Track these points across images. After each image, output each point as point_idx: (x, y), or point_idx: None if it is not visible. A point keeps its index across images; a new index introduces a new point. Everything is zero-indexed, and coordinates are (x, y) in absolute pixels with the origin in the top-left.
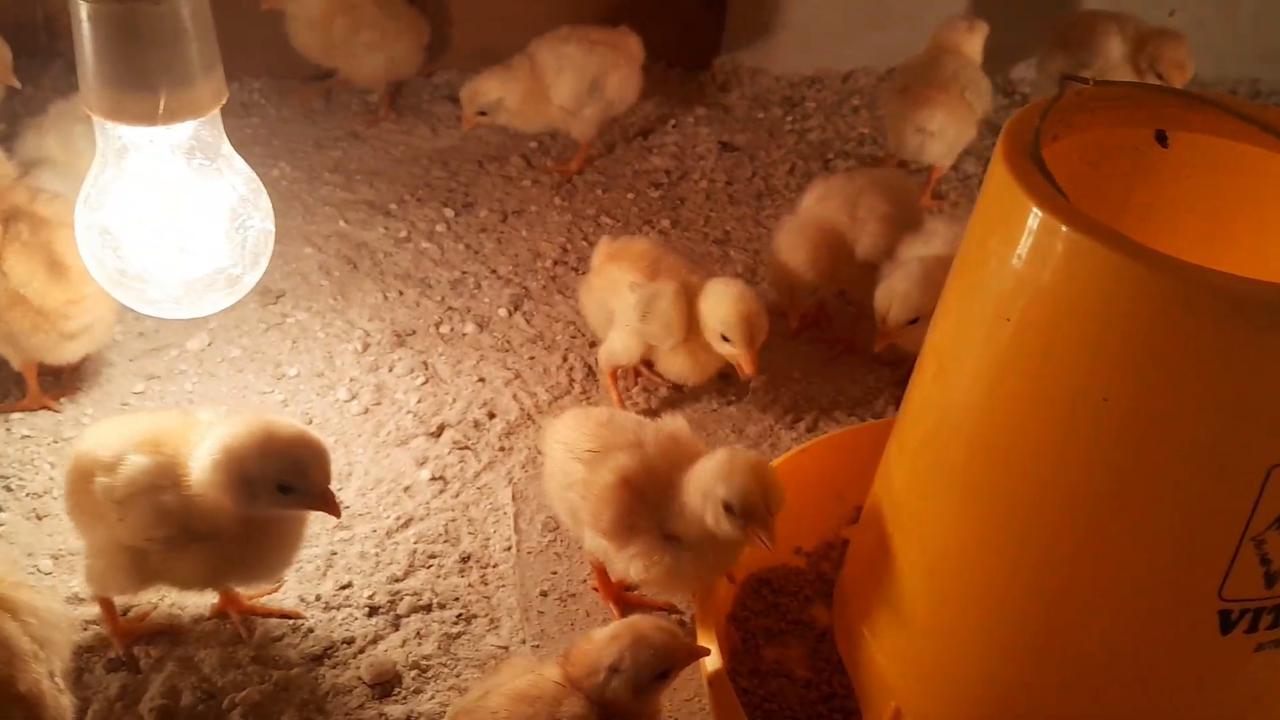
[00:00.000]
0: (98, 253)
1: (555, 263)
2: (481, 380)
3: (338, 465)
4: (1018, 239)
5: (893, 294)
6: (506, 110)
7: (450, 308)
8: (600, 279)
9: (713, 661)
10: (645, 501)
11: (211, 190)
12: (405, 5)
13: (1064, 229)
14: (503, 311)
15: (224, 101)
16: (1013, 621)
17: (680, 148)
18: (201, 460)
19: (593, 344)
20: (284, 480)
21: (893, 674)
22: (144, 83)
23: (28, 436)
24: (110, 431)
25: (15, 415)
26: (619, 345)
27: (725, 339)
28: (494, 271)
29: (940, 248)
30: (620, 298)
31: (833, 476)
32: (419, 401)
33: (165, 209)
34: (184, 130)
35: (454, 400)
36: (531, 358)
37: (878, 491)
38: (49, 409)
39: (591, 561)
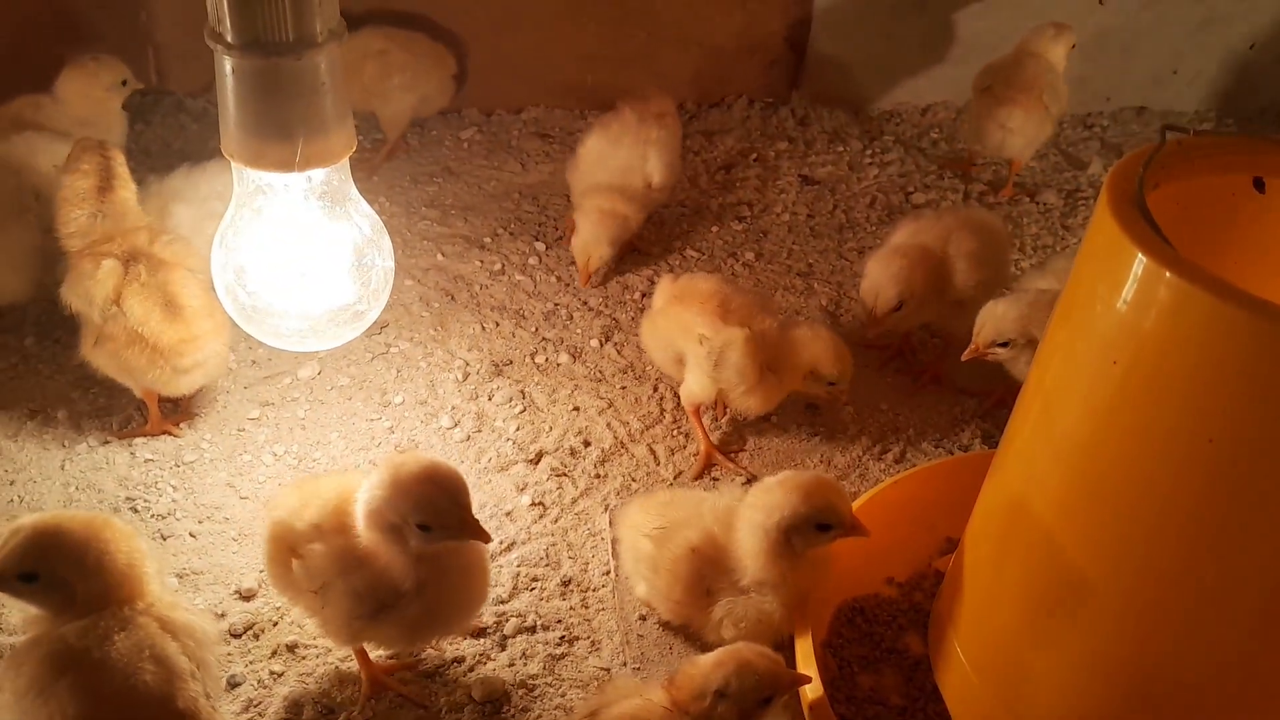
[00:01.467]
0: (232, 289)
1: (643, 295)
2: (576, 409)
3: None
4: (1123, 284)
5: (990, 314)
6: None
7: (544, 338)
8: (666, 320)
9: (814, 689)
10: (715, 567)
11: (339, 232)
12: (430, 43)
13: (1168, 275)
14: (594, 342)
15: (353, 150)
16: (1114, 653)
17: (762, 181)
18: (358, 520)
19: None
20: (420, 520)
21: (991, 704)
22: (283, 132)
23: (151, 460)
24: (299, 499)
25: (138, 440)
26: (697, 387)
27: (821, 379)
28: (585, 303)
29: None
30: (691, 344)
31: (924, 509)
32: (517, 429)
33: (296, 249)
34: (317, 176)
35: (550, 428)
36: (623, 387)
37: (977, 524)
38: (170, 434)
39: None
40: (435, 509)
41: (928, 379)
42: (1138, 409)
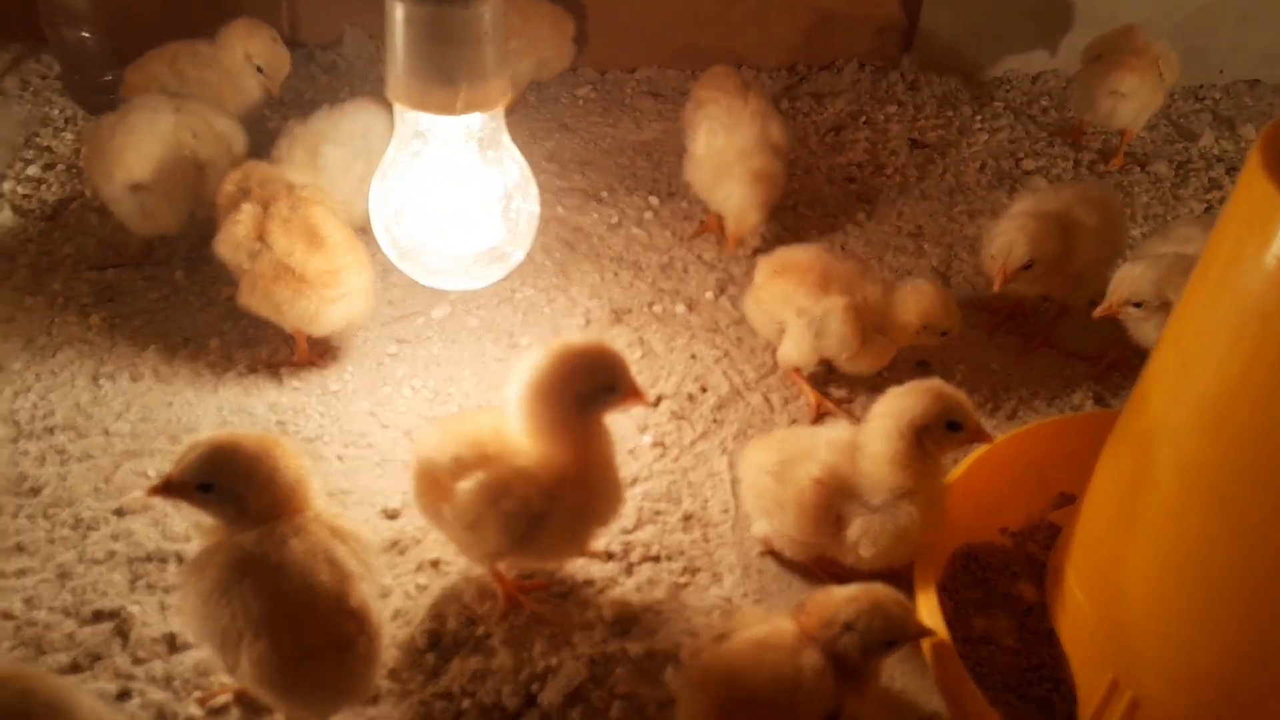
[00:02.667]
0: (389, 227)
1: (756, 251)
2: (693, 357)
3: None
4: (1273, 241)
5: (1127, 274)
6: None
7: (661, 289)
8: (768, 294)
9: (929, 612)
10: (841, 494)
11: (491, 176)
12: (550, 7)
13: None
14: (709, 294)
15: (510, 98)
16: (1232, 613)
17: (871, 144)
18: (512, 393)
19: None
20: (607, 383)
21: (1113, 647)
22: (447, 77)
23: (298, 389)
24: (440, 438)
25: (285, 370)
26: (795, 352)
27: (935, 331)
28: (699, 257)
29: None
30: (791, 314)
31: (1039, 463)
32: (637, 374)
33: (451, 191)
34: (475, 121)
35: (669, 374)
36: (738, 339)
37: (1104, 479)
38: (315, 365)
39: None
40: (615, 370)
41: (1039, 343)
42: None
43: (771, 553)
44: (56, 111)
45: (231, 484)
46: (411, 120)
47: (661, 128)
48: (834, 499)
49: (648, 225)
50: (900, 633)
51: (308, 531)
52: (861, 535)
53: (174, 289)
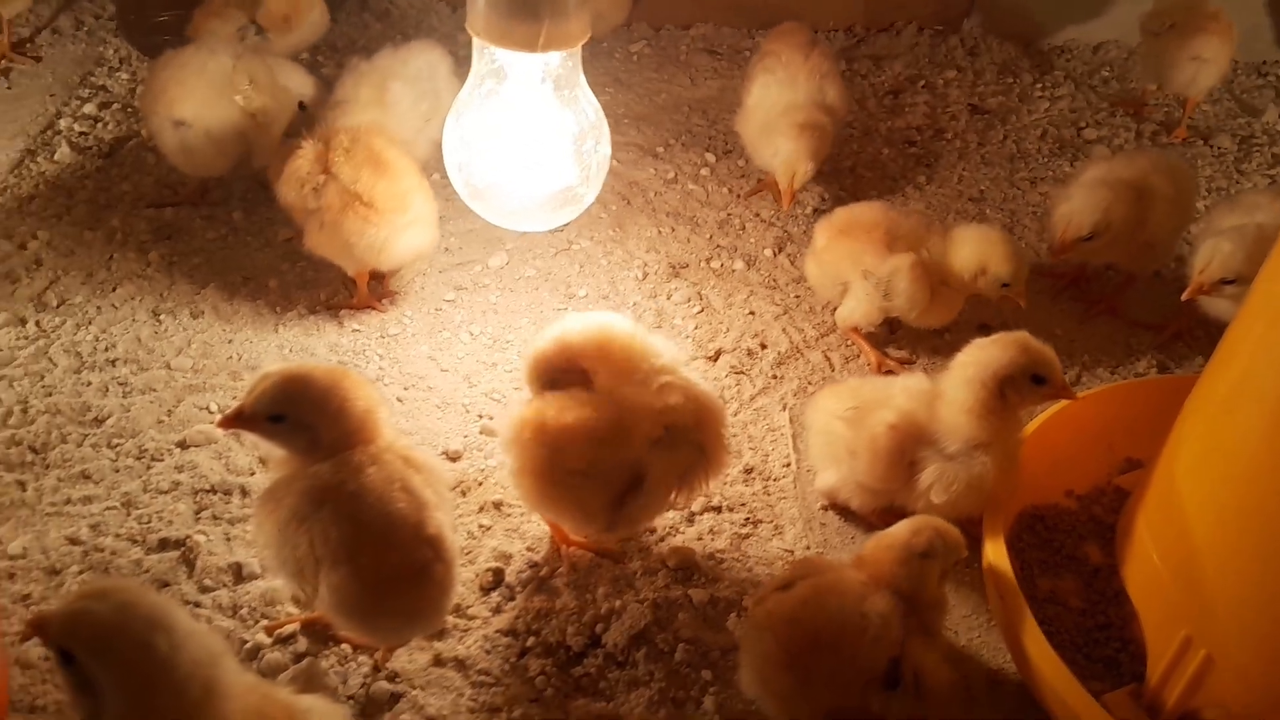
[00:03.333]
0: (463, 166)
1: (815, 210)
2: (752, 313)
3: None
4: None
5: (1216, 251)
6: None
7: (719, 245)
8: (832, 254)
9: (1001, 563)
10: (916, 441)
11: (567, 116)
12: None
13: None
14: (768, 252)
15: (588, 37)
16: None
17: (931, 108)
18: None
19: None
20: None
21: (1187, 606)
22: (531, 14)
23: (358, 330)
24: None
25: (344, 312)
26: (858, 313)
27: (993, 281)
28: (757, 215)
29: (1264, 218)
30: (857, 277)
31: (1104, 428)
32: (696, 328)
33: (526, 129)
34: (554, 59)
35: (728, 329)
36: (797, 296)
37: (1184, 436)
38: (374, 309)
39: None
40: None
41: (1102, 309)
42: None
43: (834, 506)
44: (111, 51)
45: (303, 415)
46: (489, 56)
47: (717, 85)
48: (908, 445)
49: (704, 181)
50: (961, 548)
51: (383, 461)
52: (935, 481)
53: (232, 229)
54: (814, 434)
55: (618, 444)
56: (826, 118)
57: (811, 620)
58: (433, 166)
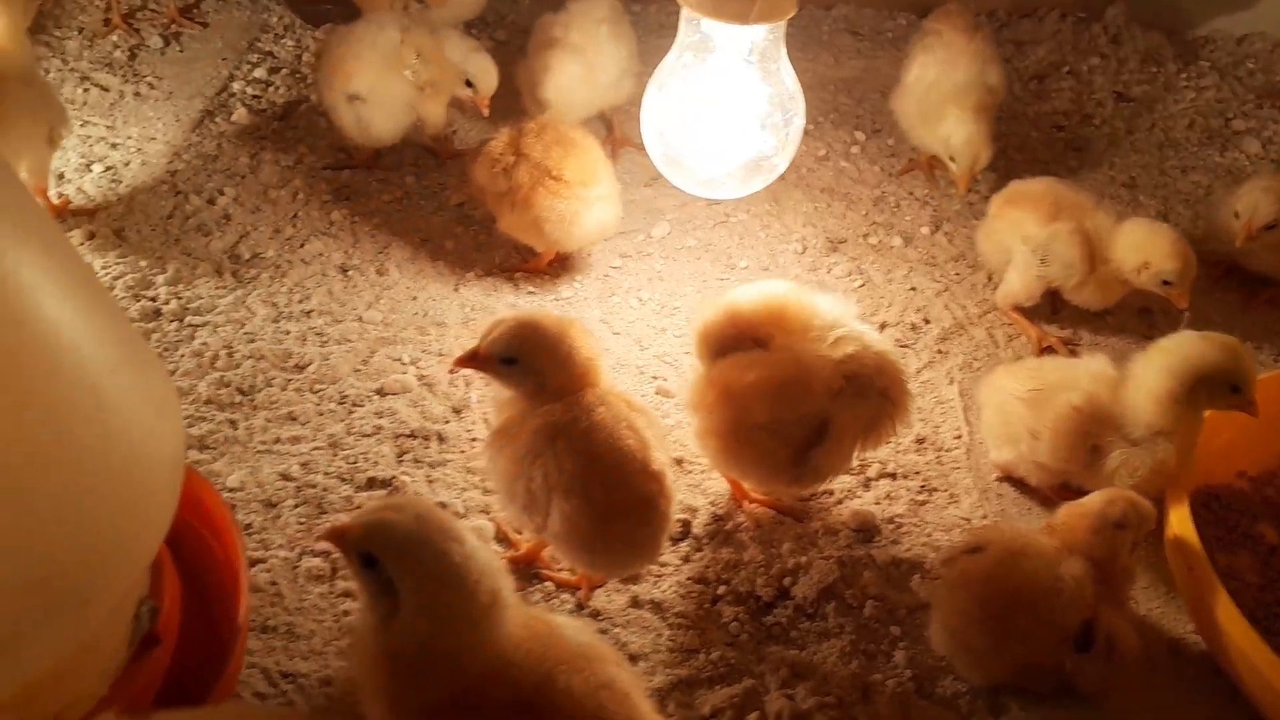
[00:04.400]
0: (663, 132)
1: (969, 190)
2: (913, 289)
3: None
4: None
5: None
6: None
7: (875, 222)
8: (1000, 223)
9: (1187, 534)
10: (1100, 424)
11: (767, 86)
12: None
13: None
14: (925, 229)
15: (794, 12)
16: None
17: (1076, 94)
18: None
19: None
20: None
21: None
22: None
23: (533, 293)
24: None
25: (517, 275)
26: (1018, 285)
27: (1156, 277)
28: (910, 193)
29: None
30: (1019, 242)
31: (1276, 412)
32: (858, 302)
33: (728, 99)
34: (760, 32)
35: (889, 304)
36: (957, 274)
37: None
38: (546, 274)
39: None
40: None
41: (1265, 299)
42: None
43: (1009, 479)
44: (275, 19)
45: (534, 359)
46: (696, 28)
47: (861, 65)
48: (1091, 428)
49: (855, 159)
50: (1152, 519)
51: (609, 402)
52: (1120, 466)
53: (405, 193)
54: (990, 412)
55: (800, 397)
56: (993, 103)
57: (1008, 580)
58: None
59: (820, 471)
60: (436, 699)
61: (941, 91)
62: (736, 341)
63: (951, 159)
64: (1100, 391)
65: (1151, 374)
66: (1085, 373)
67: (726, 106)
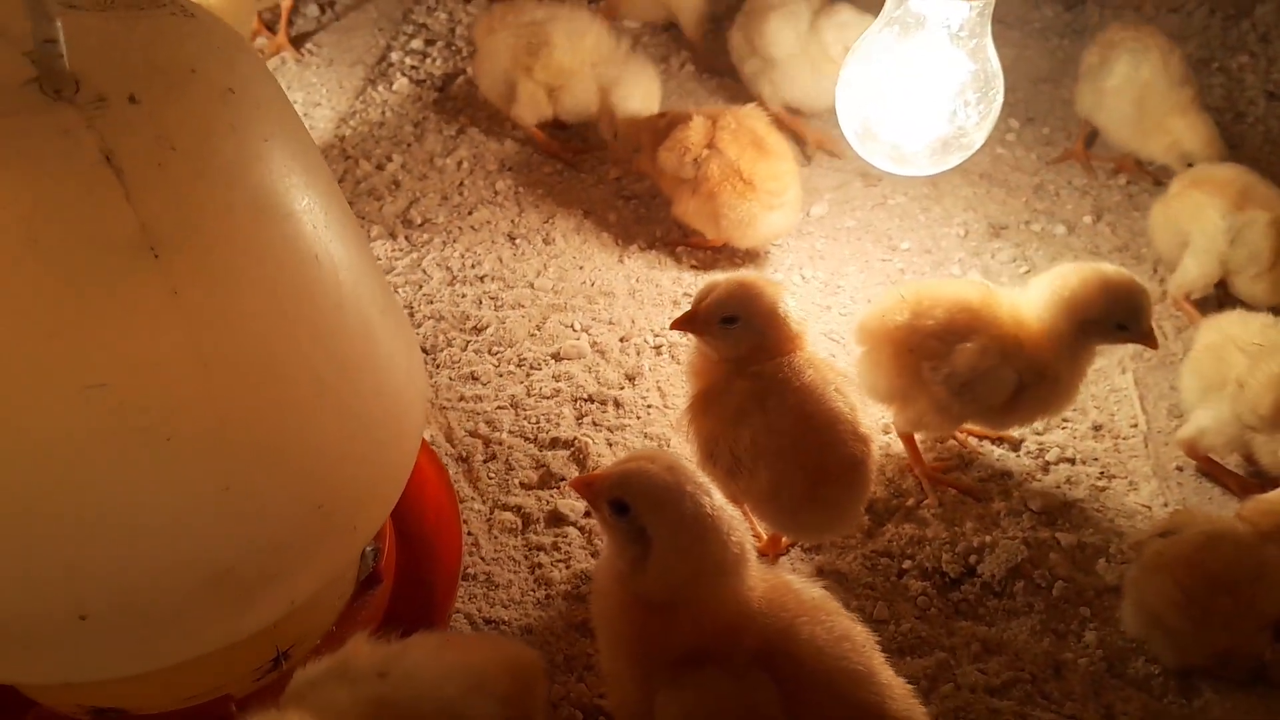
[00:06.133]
0: (857, 105)
1: (1129, 181)
2: None
3: None
4: None
5: None
6: None
7: (1035, 209)
8: (1181, 203)
9: None
10: None
11: (972, 64)
12: None
13: None
14: (1087, 219)
15: None
16: None
17: (1227, 91)
18: (1041, 309)
19: None
20: (1122, 321)
21: None
22: None
23: (695, 266)
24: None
25: (680, 249)
26: (1195, 273)
27: None
28: (1069, 182)
29: None
30: (1201, 224)
31: None
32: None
33: (934, 75)
34: (972, 9)
35: None
36: (1122, 264)
37: None
38: (709, 249)
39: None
40: (1138, 315)
41: None
42: None
43: (1195, 457)
44: None
45: (755, 318)
46: (901, 1)
47: (1012, 55)
48: None
49: (1011, 146)
50: None
51: (817, 365)
52: None
53: (566, 166)
54: (1202, 351)
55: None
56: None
57: (1209, 563)
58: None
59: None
60: (683, 647)
61: (1159, 93)
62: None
63: (1188, 161)
64: None
65: None
66: None
67: (933, 82)
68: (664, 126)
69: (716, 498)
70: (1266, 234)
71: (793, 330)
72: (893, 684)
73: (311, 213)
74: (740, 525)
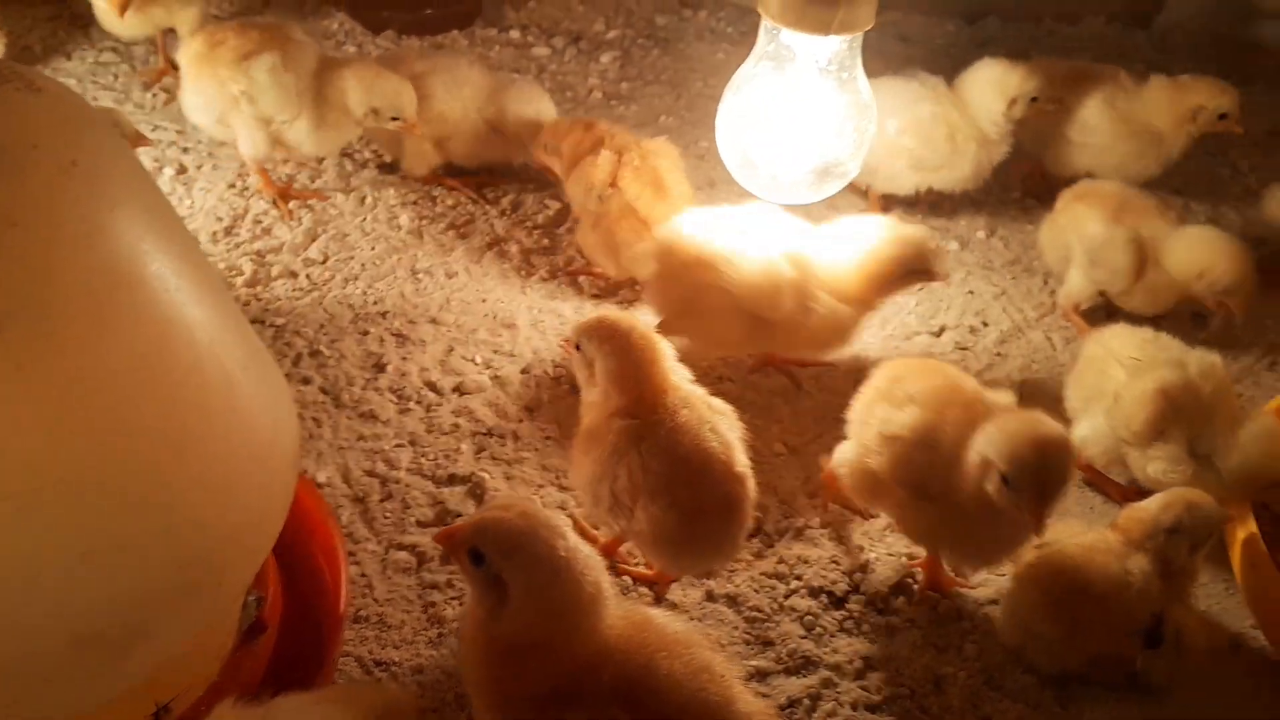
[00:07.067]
0: (735, 137)
1: (1023, 194)
2: (971, 292)
3: (854, 350)
4: None
5: None
6: None
7: (931, 227)
8: (1065, 216)
9: (1246, 529)
10: (1180, 416)
11: (843, 96)
12: None
13: None
14: (980, 234)
15: (873, 23)
16: None
17: None
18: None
19: None
20: (1008, 475)
21: None
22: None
23: (597, 295)
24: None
25: (583, 279)
26: (1079, 282)
27: (1212, 288)
28: (966, 198)
29: None
30: (1081, 236)
31: None
32: (918, 304)
33: (805, 107)
34: (838, 42)
35: (948, 307)
36: (1013, 278)
37: None
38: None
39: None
40: (1028, 475)
41: None
42: None
43: (1080, 466)
44: (336, 25)
45: (606, 355)
46: (774, 36)
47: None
48: (1171, 416)
49: None
50: (1216, 521)
51: (693, 404)
52: (1163, 459)
53: (469, 199)
54: (1085, 364)
55: None
56: None
57: (1079, 573)
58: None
59: None
60: (543, 688)
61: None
62: None
63: None
64: (1201, 385)
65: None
66: (1196, 362)
67: (803, 115)
68: (589, 145)
69: (571, 540)
70: (1126, 250)
71: (663, 368)
72: (753, 711)
73: (163, 277)
74: (597, 565)
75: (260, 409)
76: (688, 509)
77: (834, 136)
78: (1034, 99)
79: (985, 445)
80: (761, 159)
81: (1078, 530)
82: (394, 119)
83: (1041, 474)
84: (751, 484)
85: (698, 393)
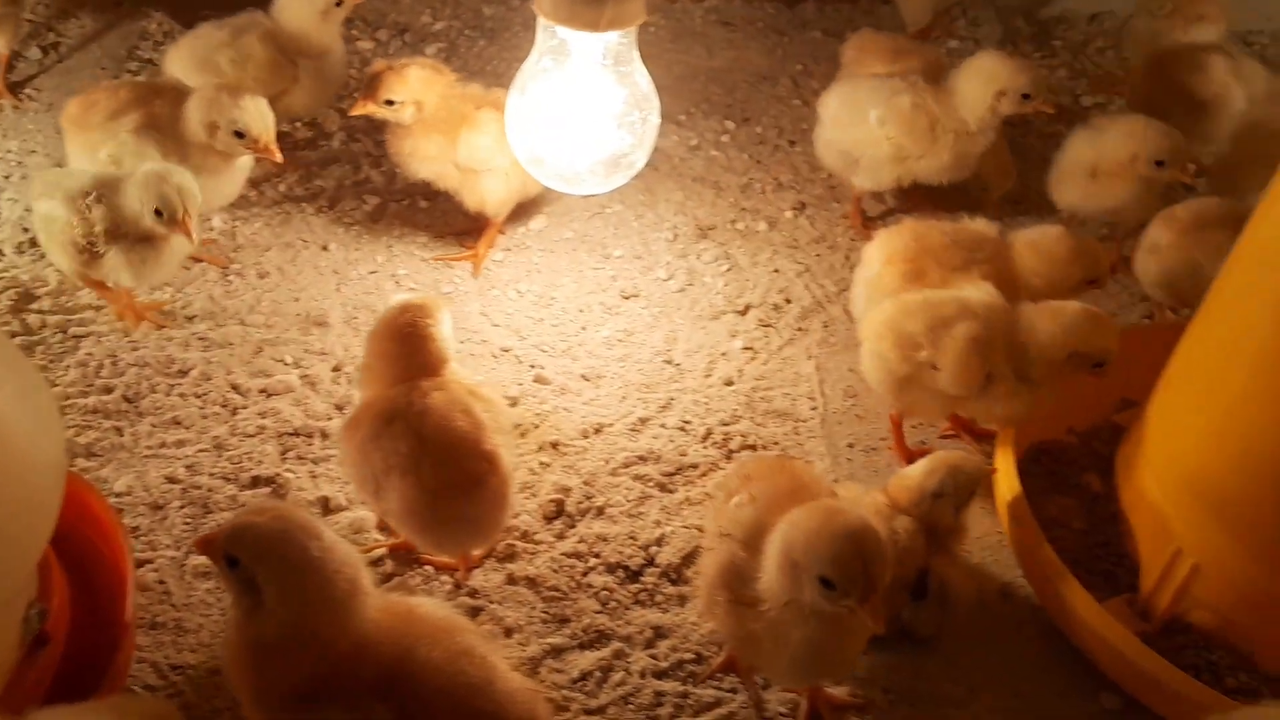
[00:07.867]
0: (523, 133)
1: (831, 174)
2: (776, 271)
3: (663, 333)
4: None
5: None
6: None
7: (742, 208)
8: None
9: (1012, 491)
10: (995, 351)
11: (622, 89)
12: None
13: None
14: (788, 214)
15: (644, 19)
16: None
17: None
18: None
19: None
20: (826, 576)
21: (1179, 523)
22: None
23: (414, 289)
24: None
25: (401, 272)
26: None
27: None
28: (776, 179)
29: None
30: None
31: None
32: (725, 285)
33: (585, 101)
34: (613, 38)
35: (754, 286)
36: (817, 255)
37: (1179, 373)
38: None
39: (891, 418)
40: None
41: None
42: None
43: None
44: (154, 25)
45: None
46: (552, 34)
47: (732, 55)
48: (989, 356)
49: (725, 148)
50: (978, 479)
51: (449, 387)
52: (1002, 396)
53: (285, 197)
54: (873, 336)
55: None
56: None
57: None
58: None
59: None
60: (300, 683)
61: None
62: None
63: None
64: (990, 315)
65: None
66: (975, 297)
67: (583, 109)
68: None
69: (326, 540)
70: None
71: (435, 351)
72: (513, 689)
73: None
74: (353, 561)
75: (16, 425)
76: (432, 486)
77: (616, 128)
78: (1025, 95)
79: (790, 550)
80: (548, 153)
81: (851, 494)
82: (237, 134)
83: (868, 566)
84: (504, 464)
85: (463, 381)
